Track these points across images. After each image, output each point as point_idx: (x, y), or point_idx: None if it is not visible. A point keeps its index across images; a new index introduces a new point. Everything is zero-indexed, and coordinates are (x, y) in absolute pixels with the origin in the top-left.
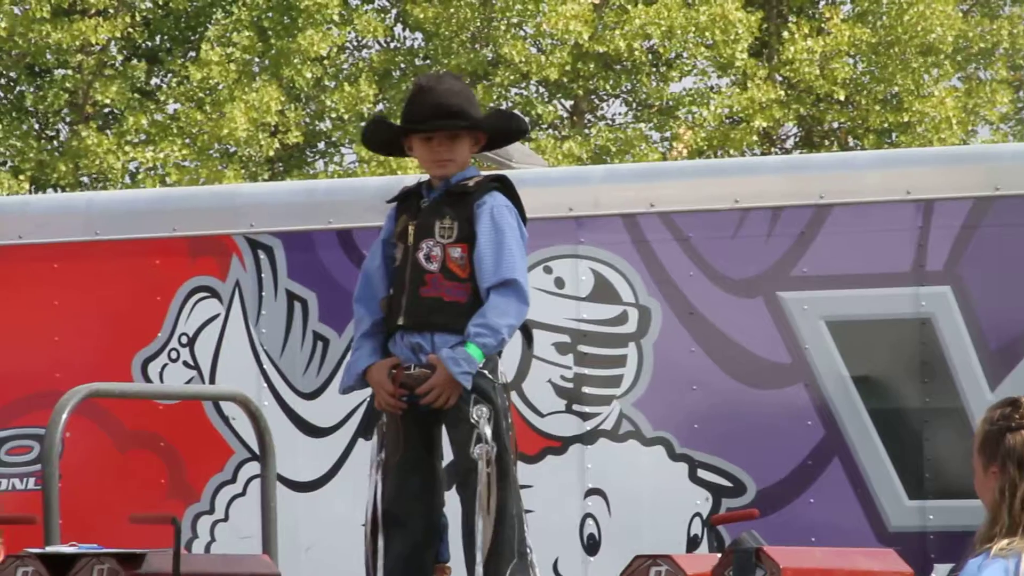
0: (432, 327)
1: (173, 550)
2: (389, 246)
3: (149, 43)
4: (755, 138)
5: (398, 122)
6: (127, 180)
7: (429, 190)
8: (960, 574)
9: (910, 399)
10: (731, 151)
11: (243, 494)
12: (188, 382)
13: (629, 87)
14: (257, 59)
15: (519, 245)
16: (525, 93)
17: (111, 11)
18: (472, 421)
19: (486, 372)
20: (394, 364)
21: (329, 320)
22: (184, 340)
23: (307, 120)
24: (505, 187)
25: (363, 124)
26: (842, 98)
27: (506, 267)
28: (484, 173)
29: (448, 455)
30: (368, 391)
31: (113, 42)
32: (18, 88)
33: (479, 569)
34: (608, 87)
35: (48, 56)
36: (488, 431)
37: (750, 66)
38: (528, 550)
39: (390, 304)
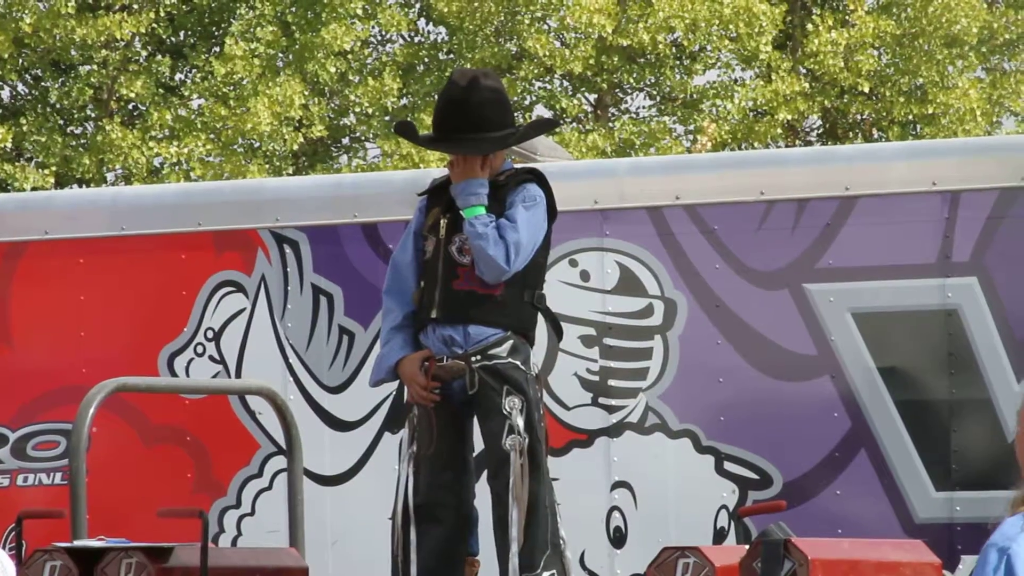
0: (466, 320)
1: (201, 544)
2: (419, 239)
3: (173, 38)
4: (779, 131)
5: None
6: (151, 175)
7: None
8: (997, 531)
9: (936, 390)
10: (755, 144)
11: (269, 488)
12: (214, 376)
13: (653, 80)
14: (281, 54)
15: (532, 224)
16: (549, 87)
17: (135, 7)
18: (504, 412)
19: (519, 363)
20: (426, 357)
21: (355, 314)
22: (210, 334)
23: (331, 115)
24: (539, 180)
25: (397, 123)
26: (866, 90)
27: (518, 227)
28: (517, 166)
29: (479, 447)
30: (396, 384)
31: (137, 38)
32: (43, 84)
33: (514, 560)
34: (632, 80)
35: (73, 52)
36: (520, 422)
37: (774, 59)
38: (561, 542)
39: (422, 297)
